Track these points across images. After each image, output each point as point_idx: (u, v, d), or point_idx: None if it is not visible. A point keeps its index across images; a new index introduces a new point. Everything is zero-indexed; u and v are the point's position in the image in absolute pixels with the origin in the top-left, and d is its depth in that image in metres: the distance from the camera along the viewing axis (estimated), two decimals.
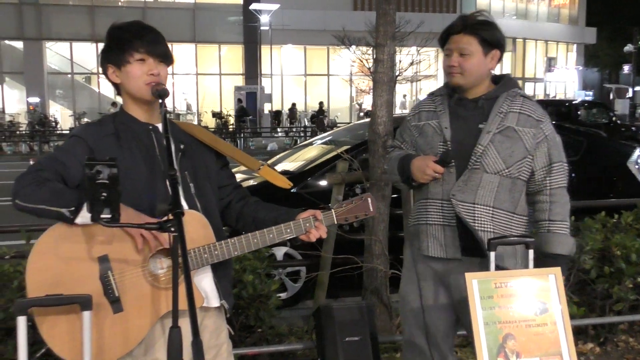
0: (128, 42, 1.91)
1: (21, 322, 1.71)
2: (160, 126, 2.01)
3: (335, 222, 2.06)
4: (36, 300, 1.77)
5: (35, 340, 3.07)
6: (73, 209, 1.75)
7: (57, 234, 1.84)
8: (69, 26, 25.57)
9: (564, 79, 36.88)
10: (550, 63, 35.24)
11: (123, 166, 1.83)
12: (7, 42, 25.87)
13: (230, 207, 2.16)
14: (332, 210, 2.06)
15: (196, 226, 1.91)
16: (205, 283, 2.00)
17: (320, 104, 25.86)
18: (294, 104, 26.68)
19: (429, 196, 2.38)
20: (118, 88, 2.02)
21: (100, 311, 1.81)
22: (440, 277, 2.43)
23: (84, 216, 1.74)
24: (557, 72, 35.88)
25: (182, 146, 2.02)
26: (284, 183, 2.22)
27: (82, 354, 1.76)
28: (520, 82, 35.14)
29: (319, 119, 23.32)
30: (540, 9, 35.38)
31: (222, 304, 2.03)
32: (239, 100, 23.75)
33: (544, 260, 2.30)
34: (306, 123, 25.11)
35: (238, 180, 2.27)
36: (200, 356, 1.32)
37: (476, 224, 2.29)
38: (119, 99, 2.05)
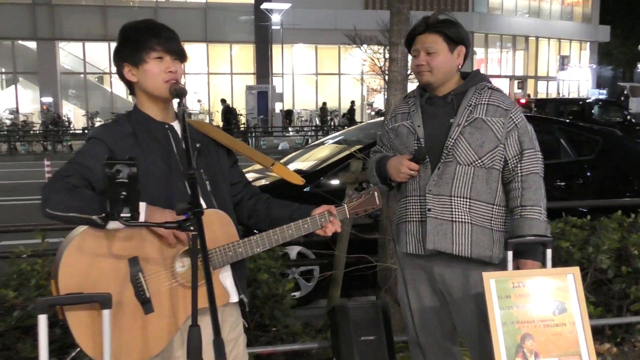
0: (145, 40, 1.92)
1: (42, 321, 1.72)
2: (175, 125, 2.04)
3: (348, 217, 2.12)
4: (57, 299, 1.78)
5: (53, 339, 3.11)
6: (104, 215, 1.74)
7: (88, 236, 1.83)
8: (81, 26, 25.74)
9: (577, 77, 36.60)
10: (563, 61, 34.98)
11: (142, 166, 1.84)
12: (20, 42, 26.09)
13: (242, 204, 2.19)
14: (345, 204, 2.11)
15: (220, 224, 1.95)
16: (227, 280, 2.03)
17: (352, 102, 26.16)
18: (324, 103, 26.69)
19: (407, 194, 2.43)
20: (131, 87, 2.02)
21: (133, 312, 1.83)
22: (427, 274, 2.45)
23: (113, 222, 1.74)
24: (570, 70, 35.61)
25: (198, 145, 2.04)
26: (297, 180, 2.26)
27: (107, 354, 1.77)
28: (532, 81, 35.04)
29: (350, 117, 23.54)
30: (553, 7, 35.14)
31: (242, 299, 2.07)
32: (223, 101, 23.51)
33: (518, 246, 2.28)
34: (317, 122, 25.13)
35: (250, 179, 2.30)
36: (222, 355, 1.32)
37: (453, 216, 2.31)
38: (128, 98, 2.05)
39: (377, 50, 5.03)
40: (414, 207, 2.39)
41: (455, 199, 2.31)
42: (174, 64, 1.96)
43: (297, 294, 4.73)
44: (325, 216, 2.06)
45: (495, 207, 2.35)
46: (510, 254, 2.21)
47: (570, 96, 33.40)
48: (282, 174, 2.22)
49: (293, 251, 4.79)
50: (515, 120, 2.32)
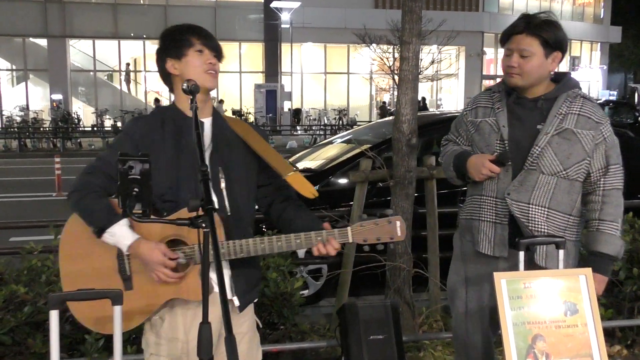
0: (187, 35, 2.10)
1: (54, 316, 1.73)
2: (207, 121, 2.13)
3: (350, 241, 2.00)
4: (69, 295, 1.80)
5: (63, 335, 3.13)
6: (97, 230, 1.95)
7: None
8: (92, 24, 25.85)
9: (588, 78, 36.38)
10: (574, 62, 34.76)
11: (165, 159, 2.00)
12: (31, 39, 26.23)
13: (274, 206, 2.24)
14: (349, 228, 1.97)
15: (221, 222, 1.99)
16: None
17: (384, 103, 26.07)
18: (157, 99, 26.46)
19: (483, 193, 2.40)
20: (170, 84, 2.15)
21: (112, 285, 1.98)
22: (488, 273, 2.43)
23: (105, 238, 1.95)
24: (581, 71, 35.39)
25: (214, 143, 2.11)
26: (310, 193, 2.12)
27: (118, 346, 1.82)
28: None
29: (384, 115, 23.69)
30: (564, 8, 34.93)
31: (232, 300, 2.09)
32: (156, 100, 23.29)
33: (589, 258, 2.30)
34: (326, 121, 25.11)
35: None
36: (234, 352, 1.32)
37: (530, 224, 2.30)
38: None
39: (386, 50, 5.02)
40: (489, 207, 2.38)
41: (534, 207, 2.29)
42: (213, 58, 2.12)
43: (305, 292, 4.72)
44: (323, 236, 1.98)
45: (571, 217, 2.34)
46: (522, 254, 2.19)
47: None
48: (295, 185, 2.13)
49: (301, 249, 4.78)
50: (604, 134, 2.28)
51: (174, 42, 2.11)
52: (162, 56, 2.14)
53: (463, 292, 2.57)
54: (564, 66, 35.14)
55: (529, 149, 2.28)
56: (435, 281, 4.23)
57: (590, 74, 36.20)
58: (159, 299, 2.02)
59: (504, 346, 1.99)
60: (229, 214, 2.06)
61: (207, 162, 1.94)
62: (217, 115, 2.20)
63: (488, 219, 2.39)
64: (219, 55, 2.14)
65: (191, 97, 1.88)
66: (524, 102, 2.36)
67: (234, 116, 2.47)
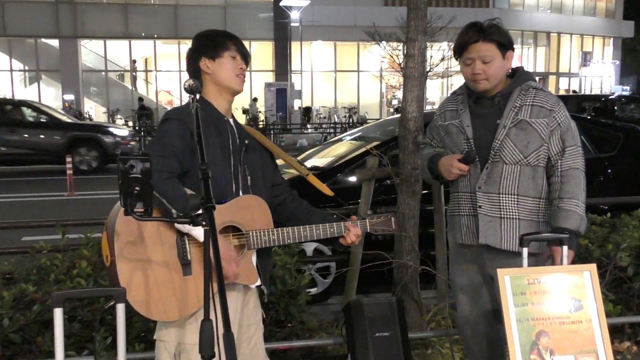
0: (224, 39, 2.26)
1: (57, 314, 1.75)
2: (231, 121, 2.29)
3: (368, 230, 2.35)
4: (72, 293, 1.83)
5: (72, 333, 3.16)
6: (182, 215, 1.89)
7: None
8: (103, 24, 26.00)
9: (600, 73, 36.07)
10: (586, 57, 34.48)
11: (213, 152, 2.13)
12: (43, 40, 26.43)
13: (284, 205, 2.42)
14: (367, 220, 2.35)
15: (259, 210, 2.18)
16: (255, 263, 2.24)
17: (398, 105, 26.05)
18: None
19: (459, 189, 2.60)
20: (201, 82, 2.23)
21: (172, 271, 2.01)
22: (478, 261, 2.60)
23: (182, 226, 1.99)
24: (592, 66, 35.10)
25: (246, 142, 2.28)
26: (327, 191, 2.52)
27: (121, 344, 1.83)
28: (554, 77, 34.62)
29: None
30: (576, 2, 34.64)
31: (262, 288, 2.29)
32: (140, 99, 23.39)
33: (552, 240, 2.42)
34: (336, 119, 25.08)
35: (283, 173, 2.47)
36: (232, 349, 1.33)
37: (502, 213, 2.47)
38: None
39: (396, 47, 5.01)
40: (465, 202, 2.56)
41: (503, 196, 2.46)
42: (243, 63, 2.28)
43: (314, 290, 4.73)
44: (348, 224, 2.29)
45: (542, 200, 2.50)
46: (525, 250, 2.19)
47: (593, 93, 32.91)
48: (315, 184, 2.48)
49: (310, 247, 4.79)
50: (558, 119, 2.44)
51: (212, 43, 2.25)
52: (196, 54, 2.26)
53: (462, 288, 2.70)
54: (575, 61, 34.95)
55: (490, 144, 2.47)
56: (443, 278, 4.22)
57: (603, 69, 35.87)
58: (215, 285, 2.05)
59: (508, 342, 1.99)
60: None
61: (239, 160, 2.20)
62: (235, 121, 2.34)
63: (466, 213, 2.56)
64: (247, 62, 2.30)
65: (193, 96, 1.90)
66: (483, 101, 2.54)
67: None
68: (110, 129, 14.39)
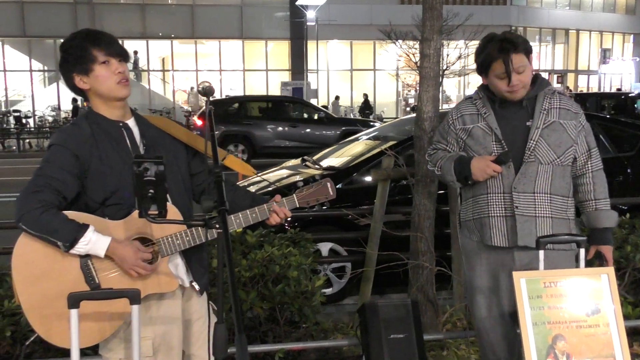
0: (88, 48, 2.04)
1: (73, 315, 1.77)
2: (130, 122, 2.16)
3: (297, 205, 2.21)
4: (88, 294, 1.83)
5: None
6: (68, 244, 1.91)
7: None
8: (120, 24, 26.18)
9: (620, 70, 35.59)
10: (605, 54, 34.04)
11: (99, 164, 2.00)
12: (62, 40, 26.68)
13: (208, 192, 2.28)
14: (294, 195, 2.22)
15: (169, 215, 1.99)
16: (178, 267, 2.15)
17: (365, 95, 25.90)
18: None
19: (489, 191, 2.58)
20: (84, 94, 2.13)
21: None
22: (508, 263, 2.56)
23: (78, 249, 1.92)
24: (612, 64, 34.65)
25: (144, 141, 2.14)
26: (250, 171, 2.35)
27: (136, 347, 1.85)
28: (573, 75, 34.23)
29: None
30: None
31: (193, 285, 2.18)
32: (74, 100, 22.93)
33: (594, 235, 2.55)
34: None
35: (284, 175, 2.37)
36: (244, 352, 1.33)
37: (537, 212, 2.50)
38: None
39: (412, 46, 4.98)
40: (497, 203, 2.57)
41: (538, 195, 2.50)
42: (120, 65, 2.09)
43: (329, 290, 4.73)
44: (272, 205, 2.15)
45: (569, 198, 2.59)
46: (541, 253, 2.17)
47: (613, 90, 32.48)
48: (232, 166, 2.26)
49: (325, 248, 4.79)
50: (582, 123, 2.58)
51: (77, 57, 2.05)
52: (67, 72, 2.08)
53: (482, 291, 2.66)
54: (594, 59, 34.53)
55: (523, 145, 2.52)
56: (459, 279, 4.20)
57: (622, 66, 35.40)
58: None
59: (524, 346, 1.97)
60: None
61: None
62: (138, 116, 2.22)
63: (498, 214, 2.55)
64: (125, 58, 2.11)
65: (207, 98, 1.90)
66: (508, 104, 2.58)
67: (153, 115, 2.59)
68: (374, 124, 15.07)
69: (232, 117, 14.61)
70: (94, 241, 1.92)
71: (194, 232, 2.07)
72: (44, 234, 1.92)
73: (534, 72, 2.58)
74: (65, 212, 1.96)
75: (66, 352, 3.11)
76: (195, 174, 2.28)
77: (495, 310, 2.63)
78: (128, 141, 2.10)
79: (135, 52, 26.98)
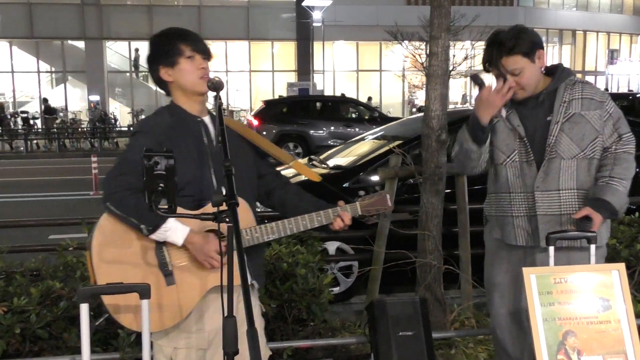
0: (177, 43, 2.14)
1: (84, 309, 1.77)
2: (206, 119, 2.22)
3: (359, 213, 2.27)
4: (98, 289, 1.84)
5: (97, 329, 3.19)
6: (151, 228, 1.98)
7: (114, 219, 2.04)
8: (128, 26, 26.28)
9: (628, 71, 35.43)
10: (613, 55, 33.89)
11: (179, 156, 1.97)
12: (69, 42, 26.82)
13: (274, 193, 2.37)
14: (357, 202, 2.27)
15: (240, 210, 2.02)
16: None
17: (369, 98, 25.84)
18: (370, 98, 26.47)
19: (511, 190, 2.51)
20: (166, 88, 2.21)
21: (156, 283, 2.01)
22: (531, 262, 2.50)
23: (158, 235, 1.99)
24: (620, 64, 34.50)
25: (219, 138, 2.14)
26: (314, 177, 2.46)
27: (146, 341, 1.85)
28: (580, 76, 34.05)
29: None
30: (602, 0, 34.11)
31: (253, 283, 2.23)
32: (45, 100, 23.14)
33: (592, 202, 2.38)
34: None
35: (292, 175, 2.39)
36: (256, 344, 1.33)
37: (562, 209, 2.41)
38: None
39: (418, 46, 4.98)
40: (520, 203, 2.49)
41: (563, 192, 2.42)
42: (204, 61, 2.17)
43: (336, 289, 4.72)
44: (337, 211, 2.22)
45: None
46: (551, 249, 2.16)
47: (620, 91, 32.32)
48: (300, 171, 2.40)
49: (332, 246, 4.79)
50: (609, 110, 2.45)
51: (165, 50, 2.15)
52: (154, 64, 2.19)
53: (499, 288, 2.62)
54: (601, 59, 34.39)
55: (544, 141, 2.42)
56: (467, 278, 4.18)
57: (630, 67, 35.23)
58: (202, 290, 2.07)
59: (534, 342, 1.96)
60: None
61: (217, 158, 2.10)
62: (212, 115, 2.27)
63: (521, 214, 2.48)
64: (208, 56, 2.19)
65: (216, 93, 1.91)
66: (526, 101, 2.49)
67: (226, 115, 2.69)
68: None
69: (287, 117, 15.03)
70: (174, 229, 1.98)
71: (262, 230, 2.13)
72: (129, 215, 1.99)
73: (549, 65, 2.51)
74: None
75: (75, 350, 3.14)
76: (262, 176, 2.36)
77: (511, 308, 2.59)
78: (205, 136, 2.17)
79: (137, 50, 27.04)
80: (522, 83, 2.41)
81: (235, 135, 2.26)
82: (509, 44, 2.38)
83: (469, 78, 2.53)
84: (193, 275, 2.06)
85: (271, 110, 15.52)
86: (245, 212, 2.11)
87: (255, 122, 14.90)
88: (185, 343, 2.12)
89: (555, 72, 2.50)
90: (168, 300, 2.03)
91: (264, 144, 2.33)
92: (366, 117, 15.62)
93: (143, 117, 24.04)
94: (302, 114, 15.49)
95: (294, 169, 2.40)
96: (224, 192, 2.07)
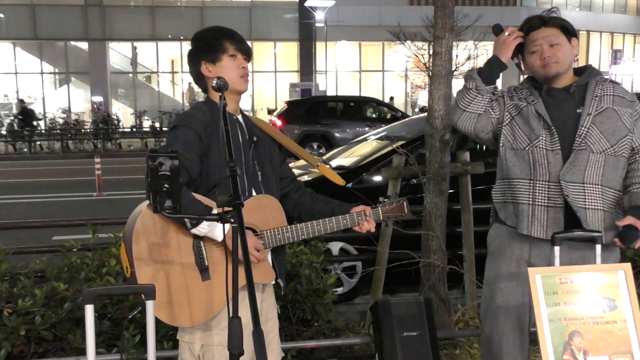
0: (221, 40, 2.20)
1: (89, 310, 1.77)
2: (240, 118, 2.27)
3: (381, 219, 2.33)
4: (103, 290, 1.84)
5: (102, 331, 3.19)
6: (194, 222, 1.98)
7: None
8: (131, 27, 26.35)
9: (631, 72, 35.36)
10: (616, 55, 33.83)
11: (217, 151, 2.10)
12: (73, 43, 26.89)
13: (289, 196, 2.40)
14: (379, 208, 2.34)
15: (272, 209, 2.18)
16: (270, 261, 2.25)
17: (392, 98, 25.85)
18: (391, 98, 26.42)
19: (533, 177, 2.42)
20: (204, 85, 2.27)
21: (191, 278, 2.03)
22: (546, 257, 2.41)
23: (199, 229, 1.99)
24: (623, 65, 34.43)
25: (255, 138, 2.26)
26: (339, 180, 2.50)
27: (151, 341, 1.83)
28: None
29: None
30: (606, 0, 34.05)
31: (279, 282, 2.29)
32: (21, 101, 22.49)
33: (630, 211, 2.32)
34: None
35: (298, 174, 2.41)
36: (262, 345, 1.33)
37: (586, 203, 2.34)
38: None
39: (421, 47, 4.97)
40: (541, 192, 2.40)
41: (588, 185, 2.35)
42: (245, 61, 2.24)
43: (340, 289, 4.72)
44: (362, 215, 2.27)
45: (619, 193, 2.42)
46: (557, 249, 2.15)
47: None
48: (326, 174, 2.45)
49: (335, 247, 4.78)
50: (639, 111, 2.42)
51: (209, 46, 2.19)
52: (196, 59, 2.23)
53: (503, 279, 2.52)
54: (605, 60, 34.32)
55: (573, 132, 2.37)
56: (471, 278, 4.18)
57: (634, 67, 35.17)
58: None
59: (540, 343, 1.95)
60: None
61: (249, 157, 2.19)
62: (244, 115, 2.31)
63: (541, 203, 2.40)
64: (249, 57, 2.25)
65: (221, 93, 1.90)
66: (555, 92, 2.45)
67: (252, 115, 2.73)
68: None
69: (311, 117, 15.20)
70: (215, 224, 1.99)
71: (294, 230, 2.18)
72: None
73: (575, 67, 2.50)
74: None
75: (80, 351, 3.14)
76: (282, 178, 2.40)
77: (511, 301, 2.49)
78: (240, 135, 2.21)
79: (135, 48, 27.05)
80: (558, 56, 2.39)
81: (266, 136, 2.32)
82: (549, 16, 2.47)
83: (491, 29, 2.54)
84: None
85: (294, 111, 15.68)
86: (279, 212, 2.19)
87: (278, 123, 14.97)
88: (215, 340, 2.12)
89: (584, 71, 2.49)
90: (200, 296, 2.03)
91: (292, 146, 2.39)
92: (389, 117, 15.63)
93: (146, 117, 24.17)
94: (325, 114, 15.68)
95: (320, 171, 2.47)
96: (253, 193, 2.19)
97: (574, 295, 2.00)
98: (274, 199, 2.21)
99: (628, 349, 1.95)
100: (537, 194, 2.40)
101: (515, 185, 2.46)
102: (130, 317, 2.23)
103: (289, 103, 16.46)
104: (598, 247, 2.16)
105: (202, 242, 2.05)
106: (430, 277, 3.88)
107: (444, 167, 3.78)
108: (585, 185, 2.34)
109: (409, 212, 2.37)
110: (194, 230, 1.99)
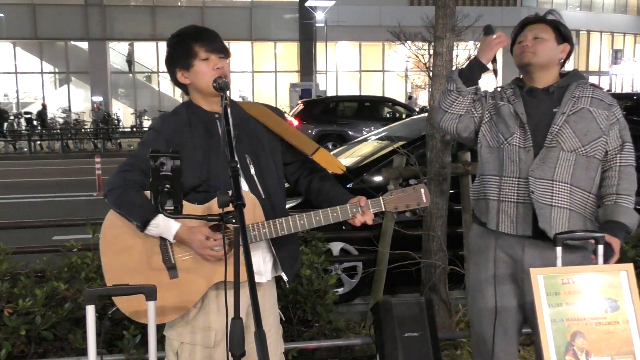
0: (191, 45, 2.12)
1: (90, 311, 1.76)
2: (226, 112, 2.16)
3: (384, 209, 2.12)
4: (104, 290, 1.83)
5: (102, 331, 3.19)
6: (141, 224, 1.99)
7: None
8: (131, 26, 26.36)
9: (632, 71, 35.37)
10: (617, 55, 33.85)
11: (190, 152, 2.06)
12: (73, 43, 26.89)
13: (300, 181, 2.32)
14: (380, 197, 2.11)
15: (249, 204, 2.03)
16: (266, 262, 2.20)
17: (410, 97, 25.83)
18: (410, 97, 26.46)
19: (504, 174, 2.44)
20: (185, 88, 2.22)
21: (159, 276, 2.04)
22: (512, 253, 2.44)
23: (149, 230, 1.99)
24: (623, 64, 34.44)
25: (236, 132, 2.15)
26: (337, 168, 2.28)
27: (152, 341, 1.84)
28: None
29: None
30: (606, 0, 34.06)
31: (281, 275, 2.21)
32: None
33: (605, 226, 2.33)
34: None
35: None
36: (264, 347, 1.32)
37: (553, 201, 2.34)
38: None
39: (421, 47, 4.97)
40: (510, 187, 2.42)
41: (557, 183, 2.35)
42: (220, 61, 2.13)
43: (340, 290, 4.72)
44: (357, 206, 2.10)
45: (590, 195, 2.40)
46: (559, 249, 2.14)
47: (624, 91, 32.26)
48: (322, 162, 2.26)
49: (336, 247, 4.78)
50: (617, 115, 2.42)
51: (180, 52, 2.14)
52: (171, 67, 2.19)
53: (489, 287, 2.49)
54: (605, 60, 34.31)
55: (547, 130, 2.38)
56: None
57: (634, 67, 35.17)
58: (206, 284, 2.07)
59: (542, 343, 1.94)
60: (262, 197, 2.14)
61: (234, 153, 1.98)
62: (234, 105, 2.24)
63: (509, 199, 2.41)
64: (225, 54, 2.16)
65: (222, 93, 1.90)
66: (536, 92, 2.47)
67: (249, 101, 2.64)
68: None
69: (327, 117, 15.37)
70: (163, 225, 1.98)
71: (271, 226, 2.05)
72: (122, 211, 2.03)
73: (561, 71, 2.51)
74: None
75: (80, 351, 3.13)
76: (288, 164, 2.31)
77: (490, 302, 2.48)
78: (220, 131, 2.16)
79: (130, 44, 27.02)
80: (537, 47, 2.40)
81: (259, 124, 2.23)
82: (541, 15, 2.50)
83: (482, 30, 2.54)
84: (197, 269, 2.06)
85: (310, 111, 15.79)
86: (255, 208, 2.07)
87: (295, 123, 15.02)
88: (190, 339, 2.13)
89: (568, 73, 2.51)
90: (169, 293, 2.03)
91: (285, 132, 2.24)
92: (404, 117, 15.70)
93: (146, 117, 24.18)
94: (341, 114, 15.82)
95: (316, 159, 2.25)
96: (246, 187, 2.11)
97: (576, 296, 1.99)
98: (251, 196, 2.08)
99: (630, 350, 1.94)
100: (506, 190, 2.42)
101: (488, 182, 2.49)
102: (109, 314, 2.24)
103: (304, 103, 16.53)
104: (600, 247, 2.15)
105: (167, 242, 2.04)
106: (431, 277, 3.88)
107: (445, 167, 3.78)
108: (555, 182, 2.34)
109: (428, 200, 2.12)
110: (146, 232, 2.00)
